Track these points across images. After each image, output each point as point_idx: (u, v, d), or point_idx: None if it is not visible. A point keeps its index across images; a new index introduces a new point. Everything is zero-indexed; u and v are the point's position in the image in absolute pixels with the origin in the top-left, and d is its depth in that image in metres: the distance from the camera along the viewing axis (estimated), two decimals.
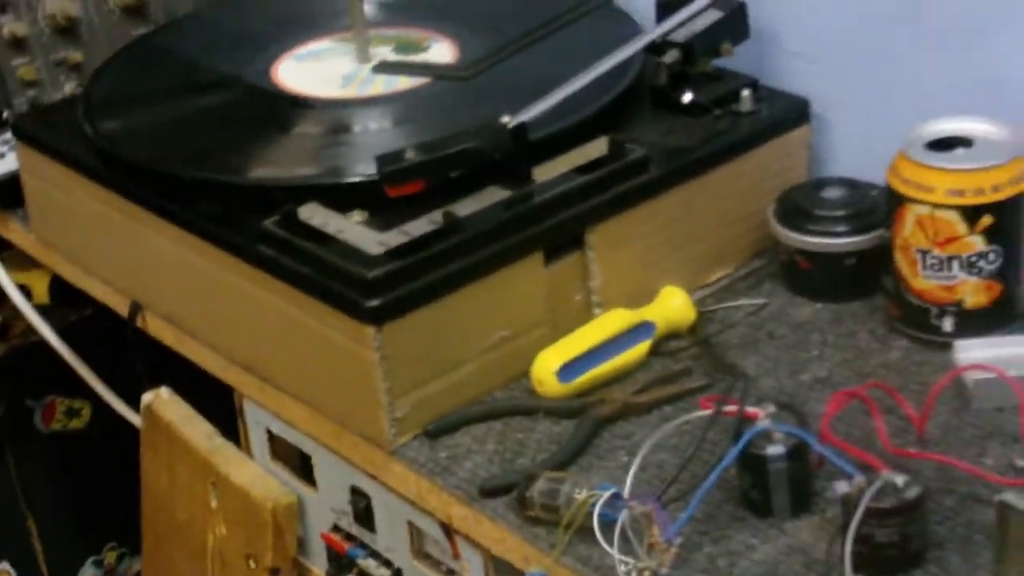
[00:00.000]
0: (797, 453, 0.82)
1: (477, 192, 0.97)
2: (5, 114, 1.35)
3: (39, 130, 1.18)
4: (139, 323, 1.14)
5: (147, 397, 1.15)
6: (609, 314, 0.98)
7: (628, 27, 1.14)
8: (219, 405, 1.09)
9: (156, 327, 1.13)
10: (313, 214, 0.96)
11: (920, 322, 0.95)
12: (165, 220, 1.05)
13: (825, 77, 1.09)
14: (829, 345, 0.97)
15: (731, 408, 0.86)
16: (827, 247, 1.00)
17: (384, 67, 1.07)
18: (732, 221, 1.06)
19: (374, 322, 0.90)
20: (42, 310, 1.48)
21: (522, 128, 0.97)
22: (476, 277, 0.94)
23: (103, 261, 1.16)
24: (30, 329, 1.49)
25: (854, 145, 1.08)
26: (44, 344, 1.46)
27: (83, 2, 1.39)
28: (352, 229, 0.95)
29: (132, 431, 1.50)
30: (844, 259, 1.00)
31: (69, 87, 1.38)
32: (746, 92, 1.06)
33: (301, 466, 1.04)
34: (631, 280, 1.01)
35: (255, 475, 1.03)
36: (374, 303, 0.90)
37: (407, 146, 0.95)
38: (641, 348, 0.97)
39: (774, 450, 0.82)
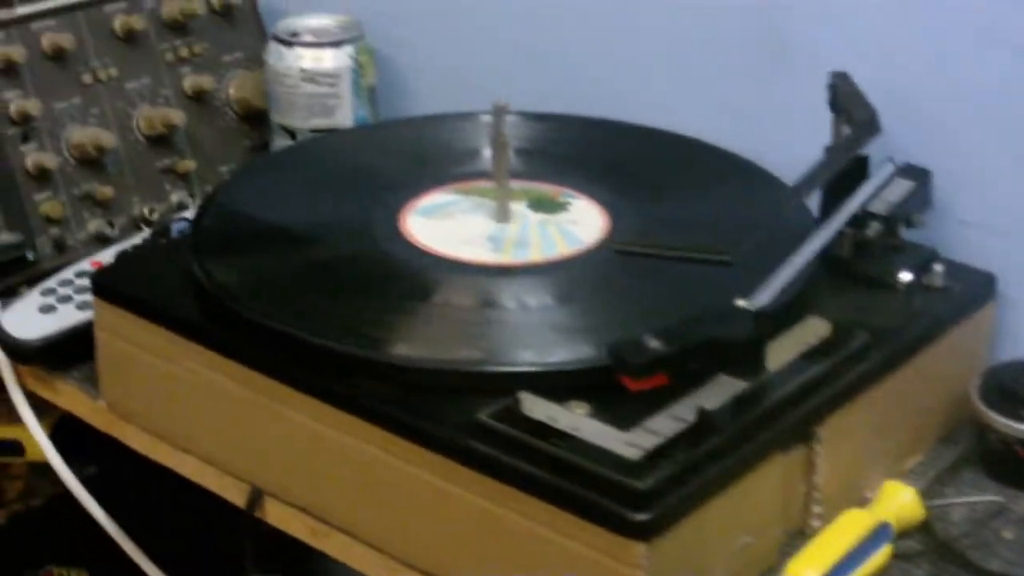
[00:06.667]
0: None
1: (708, 382, 0.88)
2: (30, 255, 1.21)
3: (128, 285, 1.04)
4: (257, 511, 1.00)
5: None
6: (847, 516, 0.91)
7: (781, 190, 1.07)
8: None
9: (280, 517, 0.99)
10: (534, 406, 0.86)
11: None
12: (322, 402, 0.92)
13: (1007, 250, 1.04)
14: None
15: None
16: None
17: (625, 250, 0.98)
18: (927, 406, 1.00)
19: (642, 538, 0.80)
20: (39, 469, 1.34)
21: (763, 313, 0.89)
22: (730, 482, 0.85)
23: (205, 437, 1.02)
24: (25, 493, 1.35)
25: None
26: (39, 510, 1.33)
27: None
28: (586, 426, 0.85)
29: None
30: None
31: (94, 225, 1.25)
32: (939, 267, 1.00)
33: None
34: (847, 474, 0.94)
35: None
36: (643, 517, 0.80)
37: (646, 334, 0.86)
38: (884, 553, 0.90)
39: None
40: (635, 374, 0.85)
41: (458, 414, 0.88)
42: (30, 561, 1.33)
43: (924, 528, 0.93)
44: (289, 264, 1.01)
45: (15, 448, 1.35)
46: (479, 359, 0.91)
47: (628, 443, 0.83)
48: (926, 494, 0.95)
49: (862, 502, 0.94)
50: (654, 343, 0.86)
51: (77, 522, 1.32)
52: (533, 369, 0.89)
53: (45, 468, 1.34)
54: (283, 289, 0.99)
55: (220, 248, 1.03)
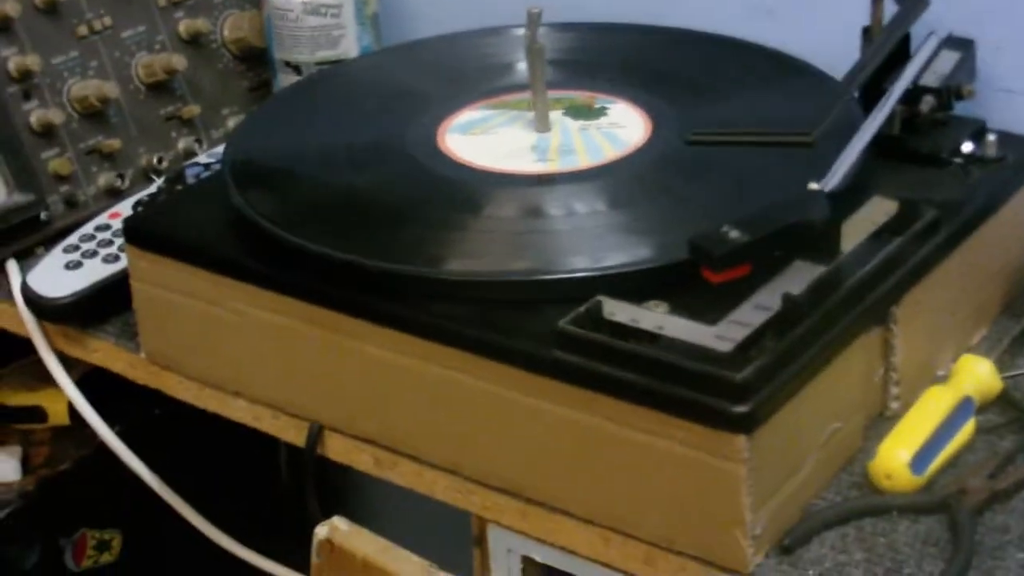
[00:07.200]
0: None
1: (785, 270, 0.86)
2: (43, 215, 1.17)
3: (166, 230, 1.00)
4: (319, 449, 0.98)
5: (322, 530, 0.99)
6: (931, 394, 0.89)
7: (817, 75, 1.06)
8: None
9: (343, 451, 0.97)
10: (615, 309, 0.84)
11: None
12: (391, 329, 0.90)
13: None
14: None
15: None
16: None
17: (699, 140, 0.95)
18: (990, 278, 0.99)
19: (744, 430, 0.79)
20: (62, 434, 1.31)
21: (834, 194, 0.87)
22: (820, 367, 0.83)
23: (256, 379, 1.00)
24: (51, 458, 1.32)
25: None
26: (68, 475, 1.30)
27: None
28: (671, 323, 0.83)
29: (162, 560, 1.36)
30: None
31: (103, 179, 1.21)
32: (991, 137, 0.99)
33: None
34: (922, 353, 0.93)
35: None
36: (744, 409, 0.79)
37: (724, 224, 0.84)
38: (969, 428, 0.89)
39: None
40: (718, 265, 0.83)
41: (534, 326, 0.85)
42: (63, 525, 1.30)
43: (1003, 399, 0.92)
44: (336, 193, 0.98)
45: (37, 414, 1.32)
46: (555, 267, 0.88)
47: (718, 336, 0.81)
48: (998, 366, 0.94)
49: (936, 380, 0.93)
50: (734, 233, 0.84)
51: (107, 485, 1.30)
52: (614, 271, 0.87)
53: (68, 433, 1.31)
54: (333, 218, 0.96)
55: (260, 183, 1.00)
